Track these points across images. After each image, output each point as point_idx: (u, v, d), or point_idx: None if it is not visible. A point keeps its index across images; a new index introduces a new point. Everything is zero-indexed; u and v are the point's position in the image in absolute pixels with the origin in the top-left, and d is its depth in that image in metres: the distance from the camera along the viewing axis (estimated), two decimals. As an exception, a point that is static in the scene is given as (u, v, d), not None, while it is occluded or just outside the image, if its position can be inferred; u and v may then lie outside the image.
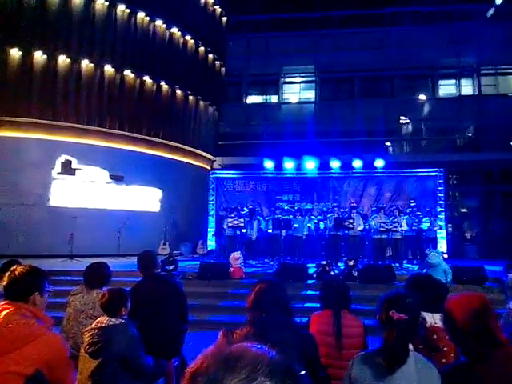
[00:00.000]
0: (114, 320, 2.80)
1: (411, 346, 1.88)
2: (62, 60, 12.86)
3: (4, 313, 1.97)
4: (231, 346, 0.72)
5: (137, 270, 3.94)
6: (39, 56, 12.59)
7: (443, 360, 2.45)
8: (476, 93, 19.77)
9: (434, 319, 2.75)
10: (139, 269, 3.84)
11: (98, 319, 2.87)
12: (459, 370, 1.80)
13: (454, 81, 20.13)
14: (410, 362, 1.82)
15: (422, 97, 20.08)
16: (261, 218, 12.54)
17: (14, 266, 2.18)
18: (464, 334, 1.76)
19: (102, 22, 13.46)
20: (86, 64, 13.20)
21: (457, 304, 1.86)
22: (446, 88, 20.40)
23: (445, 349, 2.77)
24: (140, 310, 3.06)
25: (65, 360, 2.02)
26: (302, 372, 0.73)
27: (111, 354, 2.69)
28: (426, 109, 20.02)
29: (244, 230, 11.80)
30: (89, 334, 2.79)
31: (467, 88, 20.09)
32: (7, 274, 2.13)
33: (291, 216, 11.98)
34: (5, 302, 2.05)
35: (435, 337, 2.75)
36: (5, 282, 2.11)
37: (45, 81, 12.67)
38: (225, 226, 12.06)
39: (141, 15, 14.30)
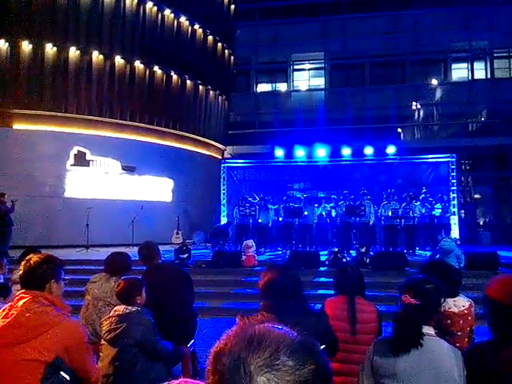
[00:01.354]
0: (130, 308, 2.86)
1: (431, 330, 1.89)
2: (72, 52, 12.92)
3: (22, 302, 2.01)
4: (254, 327, 0.73)
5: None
6: (49, 48, 12.65)
7: (457, 344, 2.46)
8: (489, 76, 19.42)
9: (448, 304, 2.77)
10: (141, 260, 3.83)
11: (116, 308, 2.94)
12: (484, 349, 1.81)
13: (466, 64, 19.76)
14: (427, 346, 1.82)
15: (434, 81, 19.79)
16: (271, 207, 12.56)
17: (30, 255, 2.20)
18: (500, 312, 1.77)
19: (111, 12, 13.45)
20: (96, 56, 13.24)
21: (502, 282, 1.86)
22: (459, 72, 20.05)
23: (459, 333, 2.79)
24: (148, 298, 3.12)
25: (83, 345, 2.07)
26: (322, 346, 0.75)
27: (129, 340, 2.76)
28: (438, 94, 19.74)
29: (260, 220, 11.85)
30: (107, 322, 2.87)
31: (480, 72, 19.73)
32: (23, 263, 2.15)
33: (300, 204, 11.99)
34: (22, 291, 2.08)
35: (449, 322, 2.77)
36: (21, 272, 2.14)
37: (56, 73, 12.75)
38: (235, 215, 12.15)
39: (149, 5, 14.26)
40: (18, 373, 1.87)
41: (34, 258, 2.14)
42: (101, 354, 2.87)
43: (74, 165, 12.83)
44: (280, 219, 12.19)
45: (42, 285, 2.08)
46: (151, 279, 3.48)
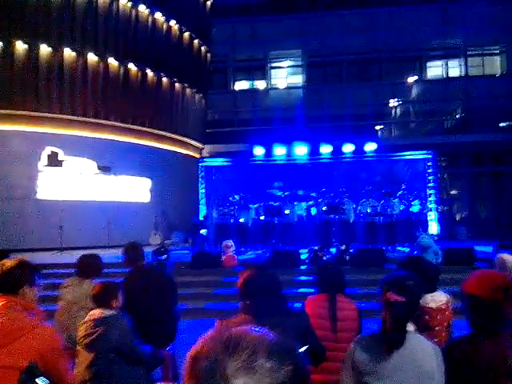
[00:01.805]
0: (106, 312, 2.81)
1: (412, 327, 1.89)
2: (43, 49, 12.57)
3: None
4: (230, 329, 0.73)
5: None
6: (19, 46, 12.28)
7: (435, 339, 2.49)
8: (463, 74, 19.85)
9: (426, 300, 2.79)
10: (126, 261, 3.81)
11: (91, 312, 2.88)
12: (463, 344, 1.82)
13: (441, 62, 20.15)
14: (409, 344, 1.82)
15: (411, 79, 20.10)
16: (252, 206, 12.53)
17: (3, 261, 2.17)
18: (478, 307, 1.78)
19: (83, 8, 13.12)
20: (67, 53, 12.91)
21: (480, 277, 1.87)
22: (434, 70, 20.42)
23: (436, 328, 2.83)
24: (132, 301, 3.06)
25: (58, 351, 2.03)
26: (302, 349, 0.74)
27: (106, 344, 2.71)
28: (415, 91, 20.07)
29: (242, 220, 11.79)
30: (82, 326, 2.81)
31: (455, 70, 20.15)
32: None
33: (280, 203, 12.01)
34: None
35: (427, 317, 2.80)
36: None
37: (26, 71, 12.37)
38: (214, 215, 12.06)
39: (123, 1, 13.99)
40: None
41: (7, 262, 2.13)
42: (77, 359, 2.82)
43: (46, 165, 12.50)
44: (262, 218, 12.17)
45: (15, 290, 2.07)
46: (135, 281, 3.43)
